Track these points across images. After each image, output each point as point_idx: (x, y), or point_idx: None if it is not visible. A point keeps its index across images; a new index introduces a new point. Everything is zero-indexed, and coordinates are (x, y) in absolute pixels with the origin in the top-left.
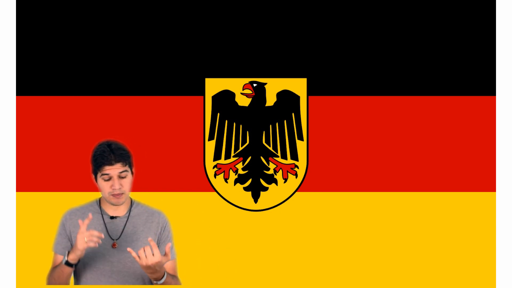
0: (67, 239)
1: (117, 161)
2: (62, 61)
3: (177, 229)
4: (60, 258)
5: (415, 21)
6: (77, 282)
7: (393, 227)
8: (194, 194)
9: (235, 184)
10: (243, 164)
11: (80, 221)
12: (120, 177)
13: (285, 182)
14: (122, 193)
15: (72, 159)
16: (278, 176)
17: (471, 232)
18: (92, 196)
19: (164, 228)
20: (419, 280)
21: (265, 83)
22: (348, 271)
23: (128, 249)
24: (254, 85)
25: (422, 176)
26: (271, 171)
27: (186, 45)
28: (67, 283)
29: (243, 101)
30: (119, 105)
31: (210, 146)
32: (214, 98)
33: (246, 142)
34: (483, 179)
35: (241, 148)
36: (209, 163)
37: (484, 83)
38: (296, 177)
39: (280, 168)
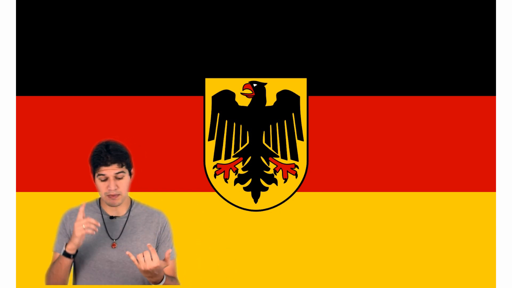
0: (67, 239)
1: (113, 162)
2: (62, 61)
3: (177, 229)
4: None
5: (415, 21)
6: (76, 282)
7: (393, 227)
8: (194, 194)
9: (235, 184)
10: (243, 164)
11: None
12: (117, 178)
13: (285, 182)
14: (118, 194)
15: (72, 159)
16: (278, 176)
17: (471, 232)
18: (92, 196)
19: (164, 228)
20: (419, 280)
21: (265, 83)
22: (348, 271)
23: (127, 252)
24: (254, 85)
25: (422, 176)
26: (271, 171)
27: (186, 45)
28: (65, 278)
29: (243, 101)
30: (119, 105)
31: (210, 146)
32: (214, 98)
33: (246, 142)
34: (483, 179)
35: (241, 148)
36: (209, 163)
37: (484, 83)
38: (296, 177)
39: (280, 168)
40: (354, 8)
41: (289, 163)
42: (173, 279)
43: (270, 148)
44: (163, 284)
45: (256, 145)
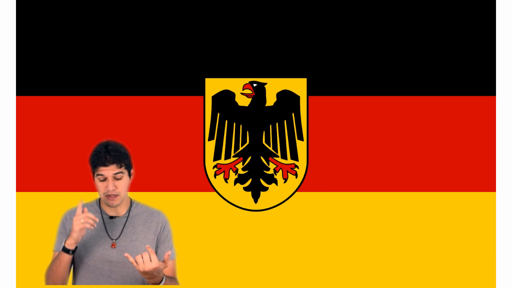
0: None
1: (112, 163)
2: (62, 61)
3: (177, 229)
4: None
5: (415, 21)
6: (76, 282)
7: (393, 227)
8: (194, 194)
9: (235, 184)
10: (243, 164)
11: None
12: (115, 179)
13: (285, 182)
14: (117, 195)
15: (72, 159)
16: (278, 176)
17: (471, 232)
18: (92, 196)
19: (164, 227)
20: (419, 280)
21: (265, 83)
22: (348, 271)
23: (126, 254)
24: (254, 85)
25: (422, 176)
26: (271, 171)
27: (186, 45)
28: (65, 275)
29: (243, 101)
30: (119, 105)
31: (210, 146)
32: (214, 98)
33: (246, 142)
34: (483, 179)
35: (241, 148)
36: (209, 163)
37: (484, 83)
38: (296, 177)
39: (280, 168)
40: (354, 8)
41: (289, 163)
42: (172, 279)
43: (270, 148)
44: (163, 284)
45: (256, 145)
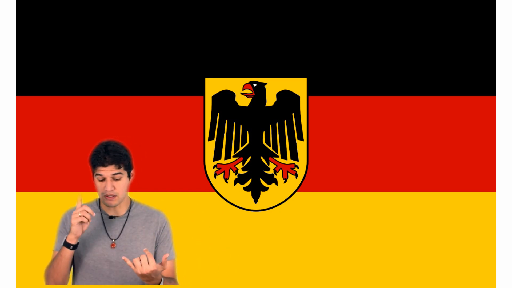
0: None
1: (111, 163)
2: (62, 61)
3: (177, 229)
4: None
5: (415, 21)
6: (76, 282)
7: (393, 227)
8: (194, 194)
9: (235, 184)
10: (243, 164)
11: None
12: (114, 179)
13: (285, 182)
14: (115, 196)
15: (72, 159)
16: (278, 176)
17: (471, 232)
18: (92, 196)
19: (163, 227)
20: (419, 280)
21: (265, 83)
22: (348, 271)
23: (123, 257)
24: (254, 85)
25: (422, 176)
26: (271, 171)
27: (186, 45)
28: (65, 273)
29: (243, 101)
30: (119, 105)
31: (210, 146)
32: (214, 98)
33: (246, 142)
34: (483, 179)
35: (241, 148)
36: (209, 163)
37: (484, 83)
38: (296, 177)
39: (280, 168)
40: (354, 8)
41: (289, 163)
42: (171, 280)
43: (270, 148)
44: (162, 285)
45: (256, 145)
